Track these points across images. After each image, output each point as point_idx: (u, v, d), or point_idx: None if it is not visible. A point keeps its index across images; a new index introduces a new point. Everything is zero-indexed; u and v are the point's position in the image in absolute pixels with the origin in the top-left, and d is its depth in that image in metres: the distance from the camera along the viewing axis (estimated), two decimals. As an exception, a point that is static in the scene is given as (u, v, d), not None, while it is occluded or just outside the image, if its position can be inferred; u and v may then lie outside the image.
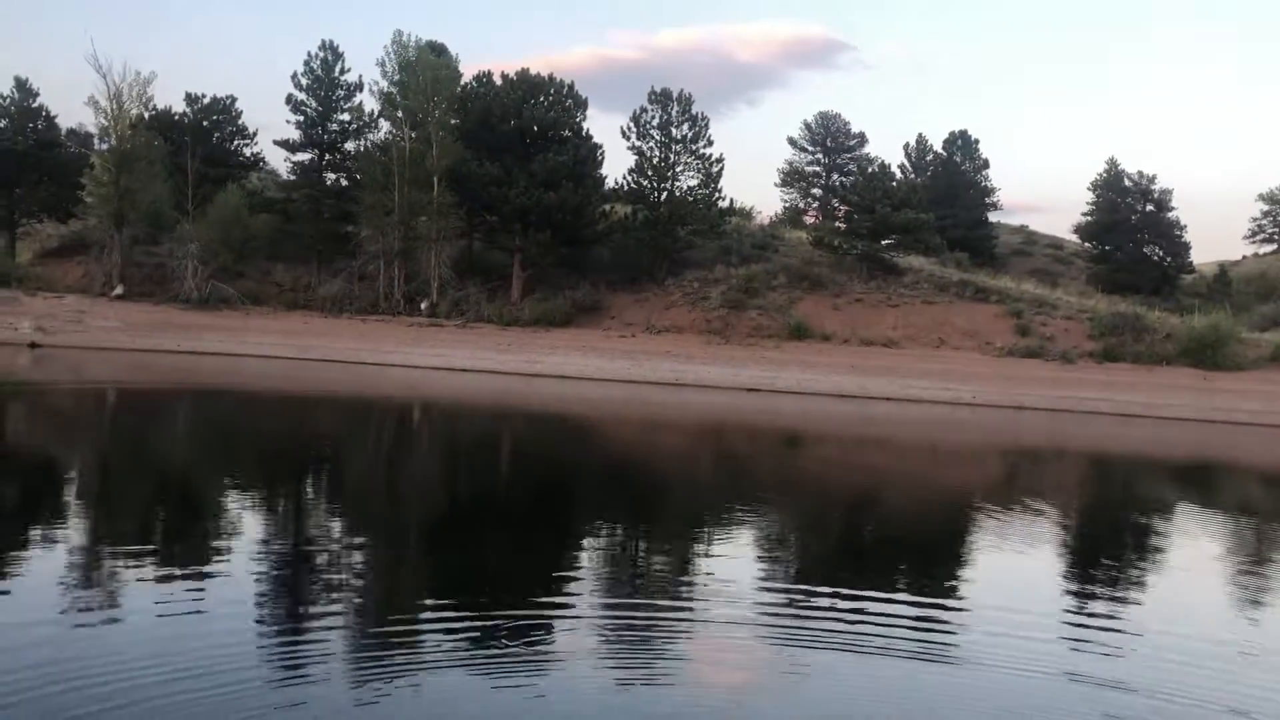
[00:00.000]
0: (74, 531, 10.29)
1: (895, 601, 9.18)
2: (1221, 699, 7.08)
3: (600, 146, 53.77)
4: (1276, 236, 79.28)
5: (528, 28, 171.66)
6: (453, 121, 51.52)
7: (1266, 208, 79.98)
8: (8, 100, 55.73)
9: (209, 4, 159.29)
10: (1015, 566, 11.52)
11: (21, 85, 55.90)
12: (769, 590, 9.53)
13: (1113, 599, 10.06)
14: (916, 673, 7.32)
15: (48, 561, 8.90)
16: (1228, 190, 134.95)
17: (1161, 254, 62.47)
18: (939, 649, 7.88)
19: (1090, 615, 9.25)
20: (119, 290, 49.28)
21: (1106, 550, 13.08)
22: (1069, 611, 9.39)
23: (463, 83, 53.75)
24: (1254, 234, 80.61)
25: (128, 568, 8.87)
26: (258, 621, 7.56)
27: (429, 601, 8.62)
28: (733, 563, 10.52)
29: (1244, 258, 75.83)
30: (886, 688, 6.98)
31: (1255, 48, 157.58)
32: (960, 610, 9.19)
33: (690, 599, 8.96)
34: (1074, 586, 10.79)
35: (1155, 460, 24.86)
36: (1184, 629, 9.05)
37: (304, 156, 55.13)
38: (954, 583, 10.50)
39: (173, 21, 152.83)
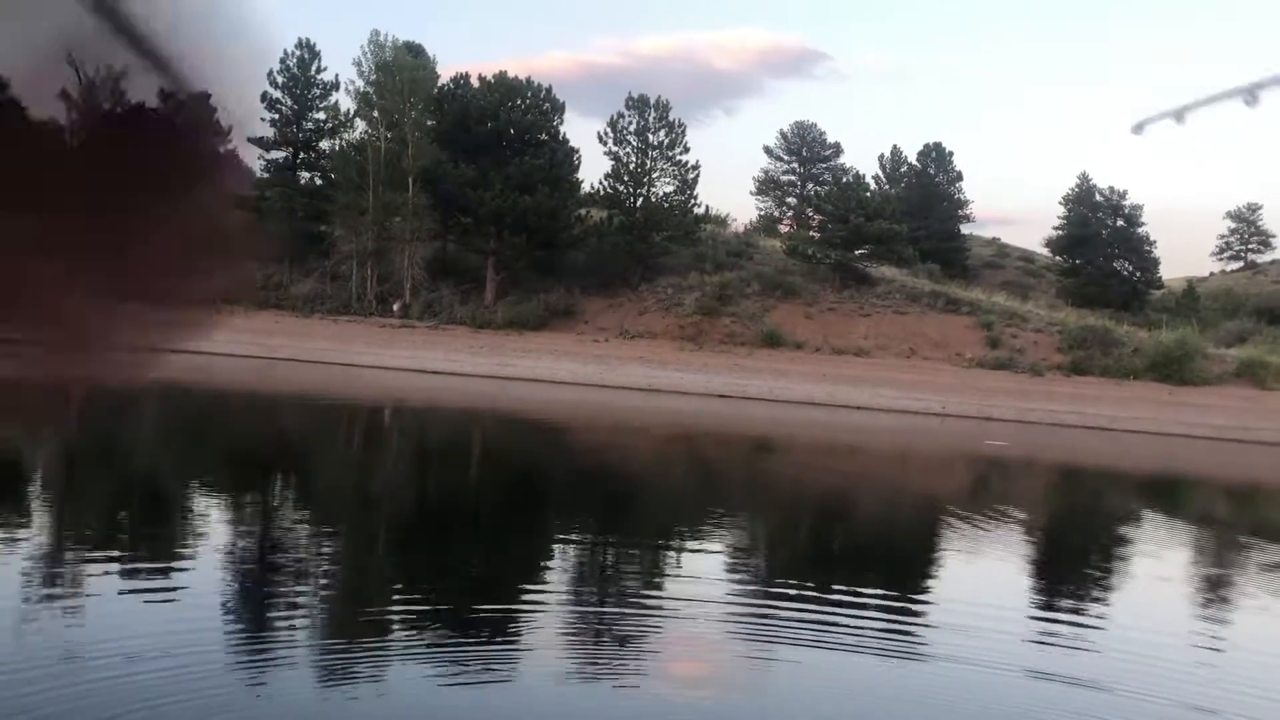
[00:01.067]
0: (36, 527, 10.17)
1: (865, 602, 9.23)
2: (1188, 697, 7.22)
3: (577, 151, 53.81)
4: (1243, 254, 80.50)
5: (507, 31, 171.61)
6: (429, 123, 51.38)
7: (1234, 225, 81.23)
8: (-23, 92, 55.17)
9: None
10: (983, 570, 11.63)
11: (-9, 76, 55.34)
12: (738, 590, 9.57)
13: (1079, 602, 10.19)
14: (885, 670, 7.40)
15: (8, 554, 8.79)
16: (1196, 208, 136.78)
17: (1131, 269, 63.16)
18: (907, 647, 7.97)
19: (1056, 617, 9.40)
20: (87, 286, 48.82)
21: (1073, 556, 13.22)
22: (1035, 615, 9.53)
23: (440, 84, 53.63)
24: (1221, 251, 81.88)
25: (90, 560, 8.78)
26: (223, 611, 7.55)
27: (397, 597, 8.61)
28: (702, 563, 10.55)
29: (1211, 274, 76.92)
30: (855, 685, 7.02)
31: (1225, 67, 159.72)
32: (928, 611, 9.26)
33: (659, 598, 8.98)
34: (1041, 590, 10.96)
35: (1121, 472, 25.12)
36: (1150, 632, 9.20)
37: (278, 154, 54.82)
38: (923, 585, 10.56)
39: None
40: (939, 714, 6.68)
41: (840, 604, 9.06)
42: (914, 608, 9.41)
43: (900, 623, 8.67)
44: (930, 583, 10.86)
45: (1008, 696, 7.03)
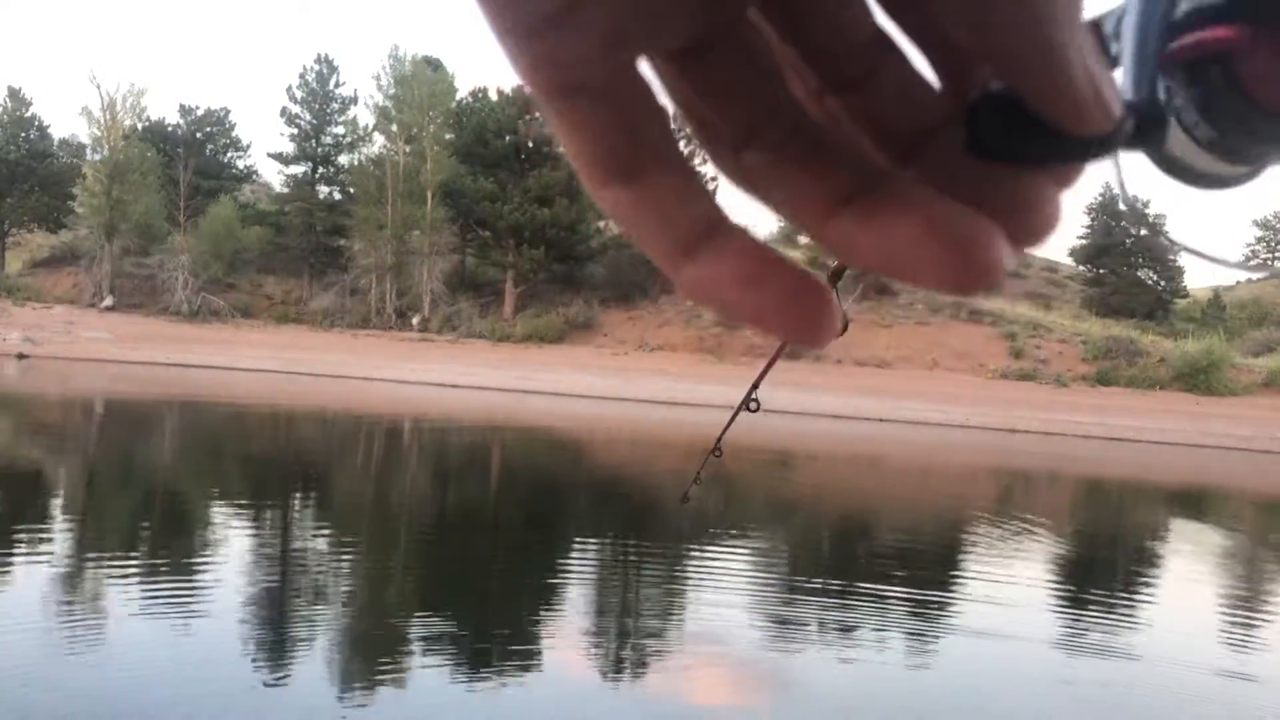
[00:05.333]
0: (59, 543, 10.07)
1: (895, 584, 9.02)
2: (1229, 665, 7.26)
3: (595, 163, 53.84)
4: (1271, 262, 79.68)
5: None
6: (447, 136, 51.53)
7: (1260, 234, 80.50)
8: (1, 110, 55.61)
9: (205, 14, 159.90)
10: (1013, 560, 11.62)
11: (15, 95, 55.79)
12: (766, 575, 9.52)
13: (1111, 587, 10.25)
14: (918, 644, 7.44)
15: (33, 570, 8.68)
16: (1223, 216, 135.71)
17: (1156, 278, 62.64)
18: (941, 621, 8.26)
19: (1088, 596, 9.61)
20: (108, 301, 49.05)
21: (1104, 551, 13.15)
22: (1066, 594, 9.66)
23: (458, 98, 53.79)
24: (1248, 260, 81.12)
25: (112, 574, 8.67)
26: (242, 624, 7.47)
27: (417, 611, 8.50)
28: (724, 574, 10.32)
29: (1238, 283, 76.13)
30: (880, 690, 6.82)
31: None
32: (961, 591, 9.10)
33: (682, 609, 8.83)
34: (1072, 576, 11.26)
35: (1149, 484, 24.72)
36: (1184, 609, 9.57)
37: (297, 169, 55.20)
38: (950, 595, 10.31)
39: (168, 33, 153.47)
40: (971, 683, 6.67)
41: (865, 613, 8.84)
42: (948, 589, 9.44)
43: (934, 600, 8.72)
44: (964, 570, 10.66)
45: (1037, 666, 7.10)
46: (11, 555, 9.42)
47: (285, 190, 56.23)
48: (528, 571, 10.44)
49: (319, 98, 53.87)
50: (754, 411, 2.20)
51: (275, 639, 7.48)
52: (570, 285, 51.90)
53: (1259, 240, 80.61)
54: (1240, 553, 15.17)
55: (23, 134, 55.58)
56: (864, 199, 0.30)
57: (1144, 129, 0.34)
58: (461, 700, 6.44)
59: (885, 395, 38.32)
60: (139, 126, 53.43)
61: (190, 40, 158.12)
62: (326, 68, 54.27)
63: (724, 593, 9.75)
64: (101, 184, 49.89)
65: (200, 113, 58.71)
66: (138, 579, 8.86)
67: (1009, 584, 10.34)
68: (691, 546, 12.52)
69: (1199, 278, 67.09)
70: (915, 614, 8.79)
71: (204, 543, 10.73)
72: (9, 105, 55.66)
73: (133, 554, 10.06)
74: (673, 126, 0.33)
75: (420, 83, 50.33)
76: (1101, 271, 63.92)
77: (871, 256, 0.29)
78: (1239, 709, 6.94)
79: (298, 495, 14.97)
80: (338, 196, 54.89)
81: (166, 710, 5.85)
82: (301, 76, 54.05)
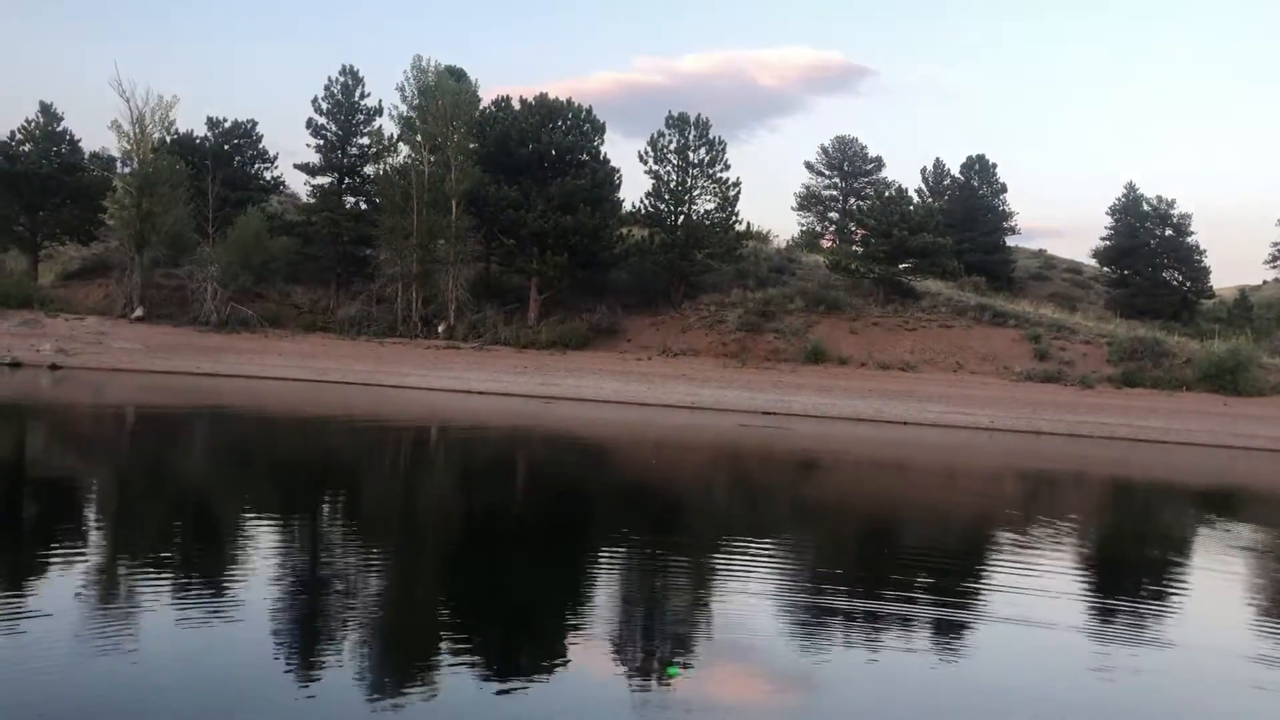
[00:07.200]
0: (96, 549, 10.35)
1: (918, 612, 9.14)
2: (1259, 650, 7.36)
3: (618, 170, 54.02)
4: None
5: (549, 52, 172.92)
6: (471, 145, 51.81)
7: (1286, 233, 79.41)
8: (32, 124, 56.36)
9: (231, 28, 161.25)
10: (1045, 556, 11.81)
11: (46, 110, 56.53)
12: (786, 604, 9.54)
13: (1135, 613, 10.15)
14: (949, 632, 7.59)
15: (71, 575, 8.95)
16: (1248, 215, 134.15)
17: (1181, 279, 62.10)
18: (976, 606, 8.25)
19: (1119, 589, 9.67)
20: (139, 312, 49.66)
21: (1129, 568, 13.08)
22: (1098, 588, 9.74)
23: (482, 107, 54.08)
24: (1274, 259, 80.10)
25: (149, 579, 8.92)
26: (275, 629, 7.70)
27: (445, 616, 8.67)
28: (751, 575, 10.48)
29: (1265, 282, 75.35)
30: (904, 692, 6.96)
31: (1276, 71, 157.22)
32: (981, 620, 9.17)
33: (708, 612, 8.98)
34: (1103, 572, 11.30)
35: (1176, 485, 24.66)
36: (1211, 597, 9.55)
37: (323, 180, 55.51)
38: (974, 596, 10.43)
39: (195, 46, 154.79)
40: (1001, 667, 6.83)
41: (890, 612, 8.99)
42: (964, 616, 9.39)
43: (950, 633, 8.71)
44: (983, 595, 10.75)
45: (1070, 656, 7.23)
46: (50, 562, 9.71)
47: (312, 200, 56.55)
48: (558, 571, 10.61)
49: (344, 109, 54.28)
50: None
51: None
52: (594, 291, 52.05)
53: (1285, 239, 79.62)
54: (1269, 549, 15.18)
55: (54, 148, 56.22)
56: None
57: None
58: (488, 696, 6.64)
59: (910, 398, 38.33)
60: (168, 139, 54.03)
61: (217, 53, 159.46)
62: (351, 79, 54.72)
63: (763, 583, 9.93)
64: (131, 196, 50.48)
65: (228, 125, 59.32)
66: (178, 575, 9.12)
67: (1042, 578, 10.45)
68: (731, 545, 12.70)
69: (1225, 278, 66.52)
70: (960, 606, 8.95)
71: (235, 549, 10.99)
72: (41, 120, 56.36)
73: (176, 556, 10.33)
74: None
75: (444, 93, 50.59)
76: (1126, 272, 63.45)
77: None
78: (1270, 695, 7.07)
79: (333, 501, 15.24)
80: (364, 206, 55.21)
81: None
82: (327, 88, 54.49)
